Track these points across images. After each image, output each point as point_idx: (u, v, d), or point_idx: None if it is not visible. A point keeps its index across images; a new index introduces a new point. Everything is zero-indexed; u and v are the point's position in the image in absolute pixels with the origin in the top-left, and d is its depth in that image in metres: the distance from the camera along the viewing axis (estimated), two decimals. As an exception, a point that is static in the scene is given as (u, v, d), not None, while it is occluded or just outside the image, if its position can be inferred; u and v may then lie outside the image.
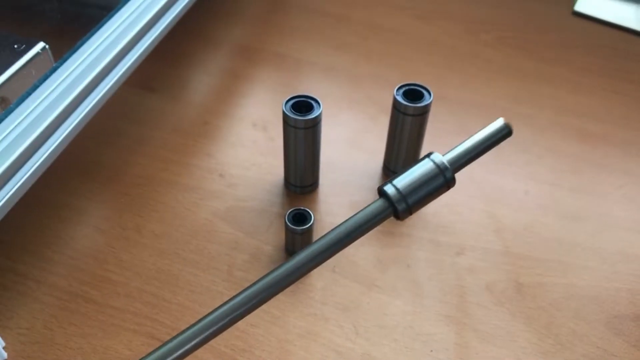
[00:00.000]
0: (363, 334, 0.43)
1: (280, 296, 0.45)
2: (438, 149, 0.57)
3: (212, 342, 0.42)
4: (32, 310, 0.44)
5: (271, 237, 0.50)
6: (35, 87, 0.44)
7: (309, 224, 0.46)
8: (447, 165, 0.31)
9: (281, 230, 0.50)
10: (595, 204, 0.53)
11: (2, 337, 0.42)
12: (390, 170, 0.54)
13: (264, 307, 0.44)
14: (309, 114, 0.47)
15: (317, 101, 0.48)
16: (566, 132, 0.60)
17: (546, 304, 0.45)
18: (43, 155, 0.43)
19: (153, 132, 0.59)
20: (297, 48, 0.69)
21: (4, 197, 0.40)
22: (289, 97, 0.48)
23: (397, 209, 0.30)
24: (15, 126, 0.42)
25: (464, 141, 0.32)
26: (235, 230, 0.50)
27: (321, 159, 0.53)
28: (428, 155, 0.31)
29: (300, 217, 0.46)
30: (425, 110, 0.49)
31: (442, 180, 0.30)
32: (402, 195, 0.30)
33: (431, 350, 0.42)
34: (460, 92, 0.64)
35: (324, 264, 0.48)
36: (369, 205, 0.30)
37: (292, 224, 0.46)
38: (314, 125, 0.47)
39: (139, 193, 0.53)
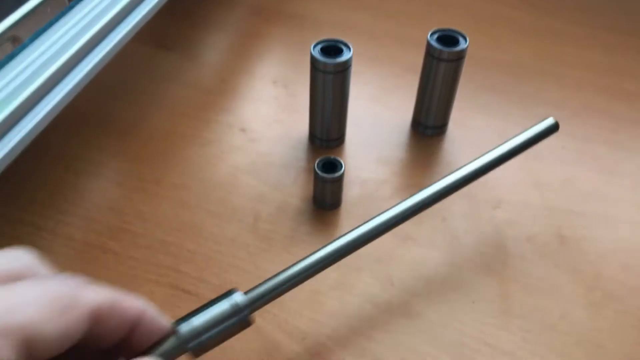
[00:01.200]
0: (399, 285, 0.41)
1: (311, 247, 0.43)
2: (470, 107, 0.55)
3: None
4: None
5: (297, 191, 0.47)
6: (50, 25, 0.42)
7: (340, 172, 0.43)
8: (246, 305, 0.30)
9: (307, 183, 0.48)
10: (635, 159, 0.50)
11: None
12: (421, 124, 0.52)
13: (294, 258, 0.42)
14: (339, 57, 0.44)
15: (347, 45, 0.45)
16: (600, 90, 0.57)
17: (592, 256, 0.43)
18: (55, 98, 0.40)
19: (170, 89, 0.57)
20: (314, 9, 0.67)
21: (15, 138, 0.38)
22: (317, 41, 0.45)
23: (188, 347, 0.28)
24: (29, 64, 0.40)
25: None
26: (259, 184, 0.47)
27: (347, 114, 0.50)
28: (229, 294, 0.30)
29: (331, 166, 0.44)
30: (460, 56, 0.46)
31: (236, 320, 0.29)
32: (196, 334, 0.29)
33: (472, 302, 0.40)
34: (487, 52, 0.62)
35: (355, 217, 0.45)
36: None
37: (322, 173, 0.43)
38: (344, 70, 0.45)
39: (158, 146, 0.50)
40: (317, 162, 0.43)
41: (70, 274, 0.25)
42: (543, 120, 0.43)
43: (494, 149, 0.42)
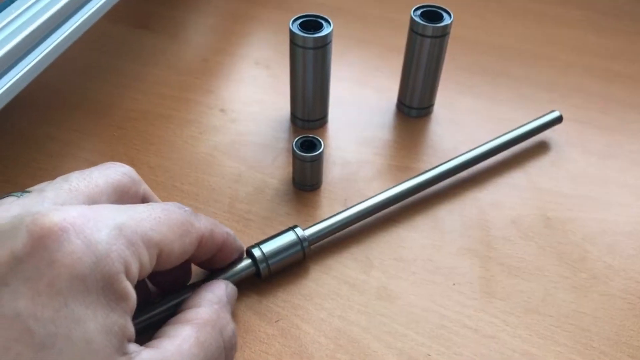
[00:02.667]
0: (378, 267, 0.39)
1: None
2: (457, 88, 0.54)
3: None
4: (14, 241, 0.40)
5: (277, 171, 0.46)
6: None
7: (319, 151, 0.42)
8: (307, 237, 0.38)
9: (287, 164, 0.46)
10: (626, 141, 0.49)
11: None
12: (406, 105, 0.50)
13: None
14: (318, 32, 0.43)
15: (327, 20, 0.44)
16: (591, 72, 0.56)
17: (578, 238, 0.41)
18: (20, 72, 0.39)
19: (149, 69, 0.55)
20: (302, -10, 0.65)
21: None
22: (296, 16, 0.44)
23: (259, 267, 0.36)
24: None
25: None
26: (237, 164, 0.46)
27: (330, 95, 0.49)
28: (292, 229, 0.38)
29: (310, 145, 0.43)
30: (445, 32, 0.45)
31: (299, 249, 0.37)
32: (265, 257, 0.36)
33: (453, 284, 0.38)
34: (477, 34, 0.60)
35: (335, 198, 0.44)
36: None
37: (301, 152, 0.42)
38: (324, 45, 0.43)
39: (134, 126, 0.49)
40: (295, 141, 0.42)
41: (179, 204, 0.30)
42: (548, 113, 0.48)
43: (501, 136, 0.46)
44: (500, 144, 0.45)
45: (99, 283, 0.24)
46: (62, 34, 0.42)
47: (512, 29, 0.61)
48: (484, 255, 0.40)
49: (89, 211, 0.25)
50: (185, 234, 0.29)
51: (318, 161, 0.42)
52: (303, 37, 0.43)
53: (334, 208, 0.43)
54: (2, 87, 0.37)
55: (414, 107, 0.50)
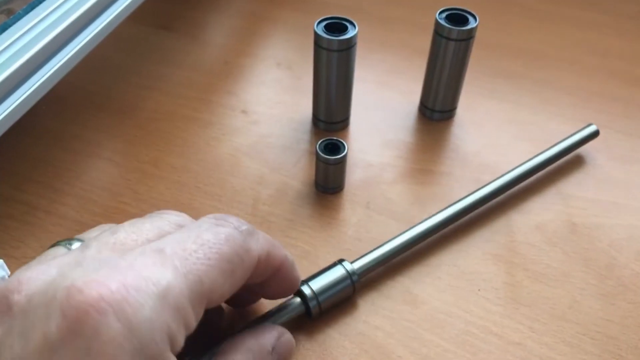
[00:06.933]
0: (403, 272, 0.39)
1: (311, 231, 0.41)
2: (479, 92, 0.53)
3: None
4: (40, 240, 0.40)
5: (299, 173, 0.46)
6: (45, -3, 0.41)
7: (343, 154, 0.42)
8: (355, 271, 0.36)
9: (309, 166, 0.46)
10: (651, 147, 0.49)
11: (7, 266, 0.38)
12: (428, 108, 0.50)
13: (293, 242, 0.41)
14: (343, 34, 0.43)
15: (352, 23, 0.44)
16: (615, 76, 0.55)
17: (605, 245, 0.41)
18: (48, 71, 0.39)
19: (171, 70, 0.55)
20: (323, -8, 0.65)
21: (5, 111, 0.36)
22: (321, 18, 0.44)
23: (310, 306, 0.34)
24: (22, 35, 0.38)
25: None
26: (260, 166, 0.46)
27: (352, 97, 0.49)
28: (339, 262, 0.36)
29: (333, 148, 0.42)
30: (470, 35, 0.44)
31: (349, 283, 0.35)
32: (315, 294, 0.34)
33: (478, 290, 0.38)
34: (500, 37, 0.60)
35: (358, 201, 0.44)
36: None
37: (324, 154, 0.42)
38: (349, 48, 0.43)
39: (157, 127, 0.49)
40: (319, 143, 0.42)
41: (235, 221, 0.28)
42: (585, 127, 0.47)
43: (539, 154, 0.45)
44: (537, 165, 0.44)
45: None
46: (89, 35, 0.42)
47: (535, 33, 0.61)
48: (509, 261, 0.40)
49: (129, 278, 0.22)
50: (238, 266, 0.26)
51: (341, 164, 0.42)
52: (328, 39, 0.42)
53: (357, 211, 0.43)
54: (31, 87, 0.37)
55: (436, 110, 0.50)
